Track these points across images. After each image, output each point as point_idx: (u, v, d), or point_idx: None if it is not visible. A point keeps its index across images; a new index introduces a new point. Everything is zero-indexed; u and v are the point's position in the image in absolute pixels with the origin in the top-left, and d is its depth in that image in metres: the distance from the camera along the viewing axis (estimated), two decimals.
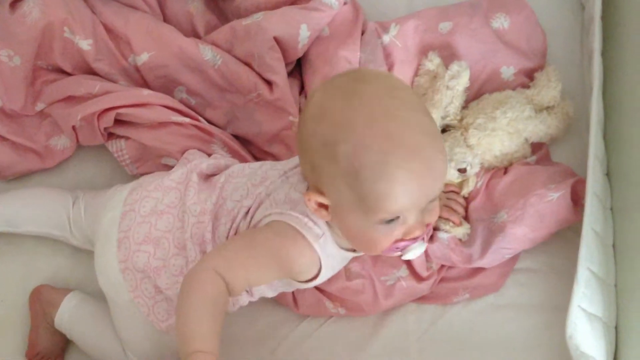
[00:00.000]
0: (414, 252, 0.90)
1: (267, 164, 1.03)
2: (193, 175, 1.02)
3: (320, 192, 0.86)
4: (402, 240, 0.86)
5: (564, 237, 1.12)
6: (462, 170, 1.14)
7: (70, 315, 1.11)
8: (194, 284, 0.86)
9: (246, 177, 1.00)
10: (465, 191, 1.15)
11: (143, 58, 1.17)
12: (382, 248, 0.87)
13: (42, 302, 1.13)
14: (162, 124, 1.14)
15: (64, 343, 1.14)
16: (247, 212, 0.96)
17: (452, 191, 1.16)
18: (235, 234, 0.96)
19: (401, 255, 0.90)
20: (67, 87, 1.18)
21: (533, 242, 1.10)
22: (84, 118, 1.14)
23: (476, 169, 1.15)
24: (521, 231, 1.08)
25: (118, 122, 1.16)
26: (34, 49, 1.17)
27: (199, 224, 0.97)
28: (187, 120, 1.15)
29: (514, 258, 1.13)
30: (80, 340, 1.11)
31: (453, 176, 1.15)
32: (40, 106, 1.21)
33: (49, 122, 1.21)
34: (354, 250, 0.96)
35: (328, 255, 0.92)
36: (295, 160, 1.00)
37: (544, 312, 1.11)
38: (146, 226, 1.00)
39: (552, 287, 1.12)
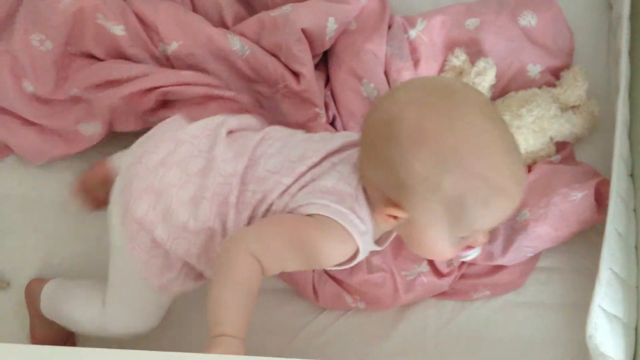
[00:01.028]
0: (472, 256, 0.93)
1: (304, 138, 0.99)
2: (222, 130, 0.98)
3: (398, 206, 0.84)
4: (467, 248, 0.90)
5: (586, 238, 1.12)
6: None
7: (49, 300, 1.09)
8: (231, 268, 0.85)
9: (281, 142, 0.97)
10: None
11: (173, 47, 1.18)
12: (448, 257, 0.90)
13: (31, 296, 1.13)
14: (208, 97, 1.15)
15: (65, 330, 1.13)
16: (284, 191, 0.92)
17: None
18: (267, 210, 0.92)
19: (462, 258, 0.95)
20: (103, 71, 1.17)
21: (555, 241, 1.10)
22: (123, 98, 1.14)
23: None
24: (544, 230, 1.08)
25: (160, 104, 1.17)
26: (65, 34, 1.18)
27: (226, 185, 0.93)
28: (231, 93, 1.15)
29: (535, 257, 1.13)
30: (64, 320, 1.08)
31: None
32: (74, 91, 1.20)
33: (80, 107, 1.21)
34: (377, 243, 0.96)
35: (365, 250, 0.92)
36: (336, 141, 0.96)
37: (563, 311, 1.11)
38: (151, 177, 0.96)
39: (573, 286, 1.12)
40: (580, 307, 1.05)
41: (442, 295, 1.13)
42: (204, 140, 0.98)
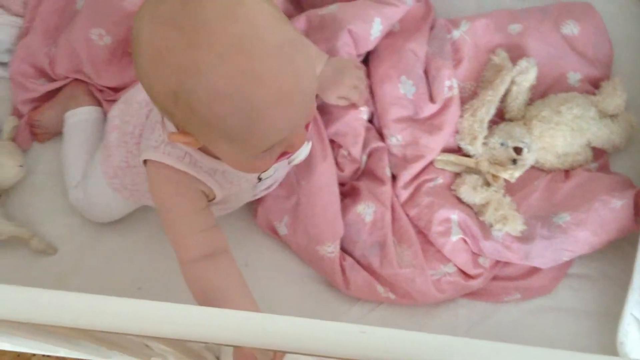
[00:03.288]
0: (300, 157, 0.94)
1: None
2: None
3: (186, 133, 0.79)
4: (286, 152, 0.84)
5: (619, 247, 1.12)
6: (517, 151, 1.14)
7: (75, 121, 1.20)
8: (195, 283, 0.89)
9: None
10: (514, 174, 1.14)
11: None
12: (267, 168, 0.87)
13: (70, 95, 1.23)
14: None
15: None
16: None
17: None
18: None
19: (289, 162, 0.95)
20: None
21: (592, 247, 1.10)
22: None
23: (531, 158, 1.15)
24: (583, 235, 1.08)
25: None
26: (126, 31, 1.21)
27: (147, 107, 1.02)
28: None
29: (568, 262, 1.13)
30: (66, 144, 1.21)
31: (502, 155, 1.14)
32: None
33: None
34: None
35: (209, 168, 0.90)
36: None
37: (594, 318, 1.11)
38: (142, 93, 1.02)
39: (604, 294, 1.12)
40: (611, 315, 1.05)
41: (474, 295, 1.13)
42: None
